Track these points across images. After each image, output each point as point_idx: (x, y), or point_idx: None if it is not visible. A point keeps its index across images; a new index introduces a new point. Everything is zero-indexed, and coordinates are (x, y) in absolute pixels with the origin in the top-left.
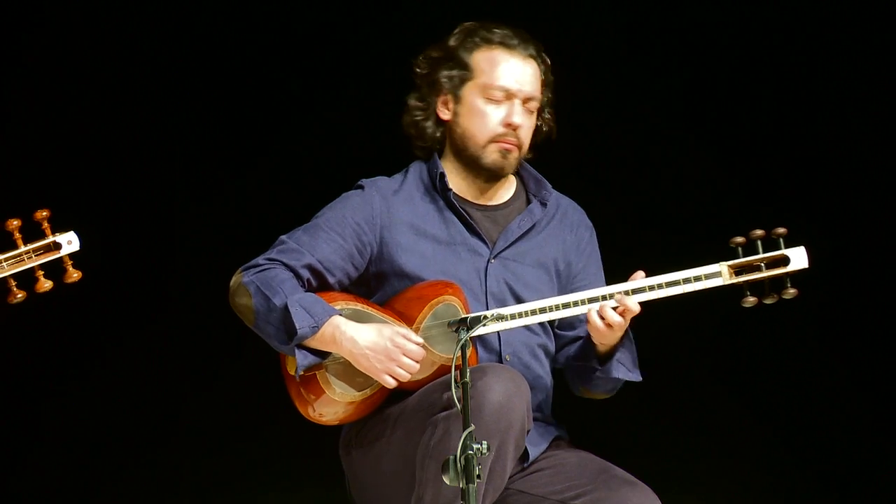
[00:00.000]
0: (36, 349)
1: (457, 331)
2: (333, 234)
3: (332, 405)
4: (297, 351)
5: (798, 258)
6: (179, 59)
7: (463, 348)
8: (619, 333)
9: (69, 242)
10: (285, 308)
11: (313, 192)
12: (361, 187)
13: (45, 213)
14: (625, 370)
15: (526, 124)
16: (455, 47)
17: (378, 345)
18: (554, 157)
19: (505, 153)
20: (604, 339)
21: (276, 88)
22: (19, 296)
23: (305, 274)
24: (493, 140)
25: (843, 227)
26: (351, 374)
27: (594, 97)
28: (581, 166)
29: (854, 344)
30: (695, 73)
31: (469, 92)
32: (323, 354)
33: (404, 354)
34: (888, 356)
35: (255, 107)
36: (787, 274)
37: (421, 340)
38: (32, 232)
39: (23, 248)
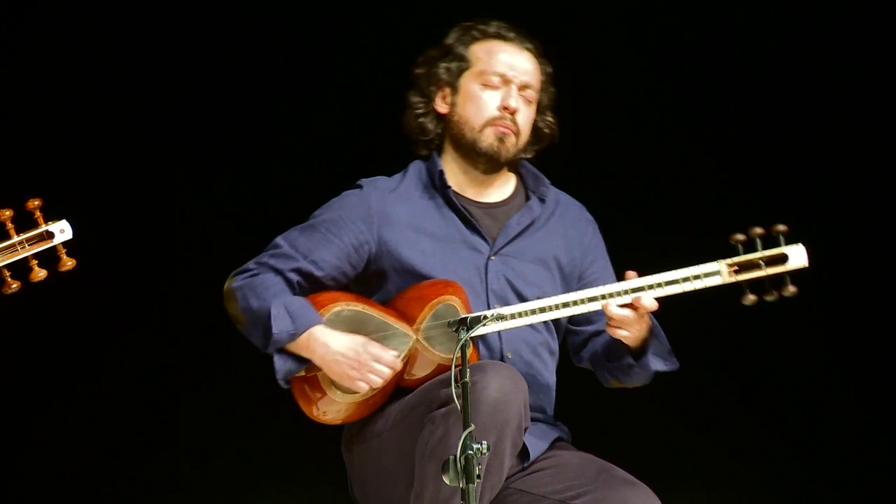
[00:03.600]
0: (30, 341)
1: (457, 331)
2: (330, 235)
3: (334, 405)
4: (275, 356)
5: (797, 256)
6: (171, 45)
7: (463, 348)
8: (643, 330)
9: (62, 231)
10: (268, 313)
11: (313, 178)
12: (360, 187)
13: (36, 203)
14: (662, 362)
15: (523, 111)
16: (453, 43)
17: (350, 350)
18: (553, 153)
19: (502, 137)
20: (628, 340)
21: (277, 79)
22: (14, 286)
23: (294, 278)
24: (490, 123)
25: (844, 224)
26: None
27: (592, 93)
28: (579, 163)
29: (854, 338)
30: (693, 68)
31: (466, 81)
32: (304, 360)
33: (376, 361)
34: (888, 351)
35: (252, 94)
36: (786, 272)
37: (395, 353)
38: (25, 222)
39: (15, 239)
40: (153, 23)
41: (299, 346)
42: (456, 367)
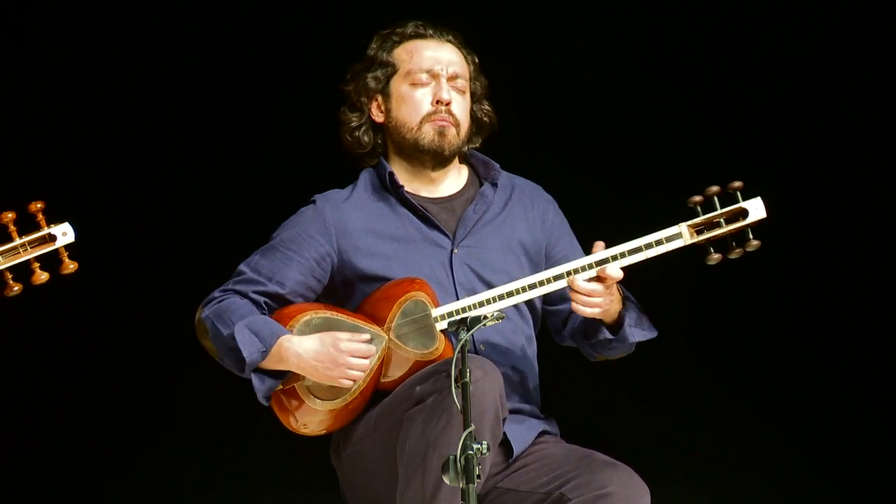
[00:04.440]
0: (32, 344)
1: (456, 331)
2: (290, 253)
3: (313, 414)
4: (253, 377)
5: (756, 209)
6: (172, 49)
7: (463, 348)
8: (614, 303)
9: (64, 234)
10: (234, 338)
11: (312, 181)
12: (314, 202)
13: (39, 206)
14: (640, 332)
15: (457, 101)
16: (375, 52)
17: (322, 353)
18: (504, 131)
19: (441, 130)
20: (602, 315)
21: (278, 81)
22: (16, 288)
23: (261, 299)
24: (426, 119)
25: (801, 176)
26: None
27: (544, 65)
28: (530, 138)
29: (848, 331)
30: (643, 32)
31: (396, 84)
32: (282, 374)
33: (351, 355)
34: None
35: (253, 97)
36: (747, 226)
37: (367, 337)
38: (27, 224)
39: (18, 241)
40: (160, 31)
41: (272, 361)
42: (456, 366)
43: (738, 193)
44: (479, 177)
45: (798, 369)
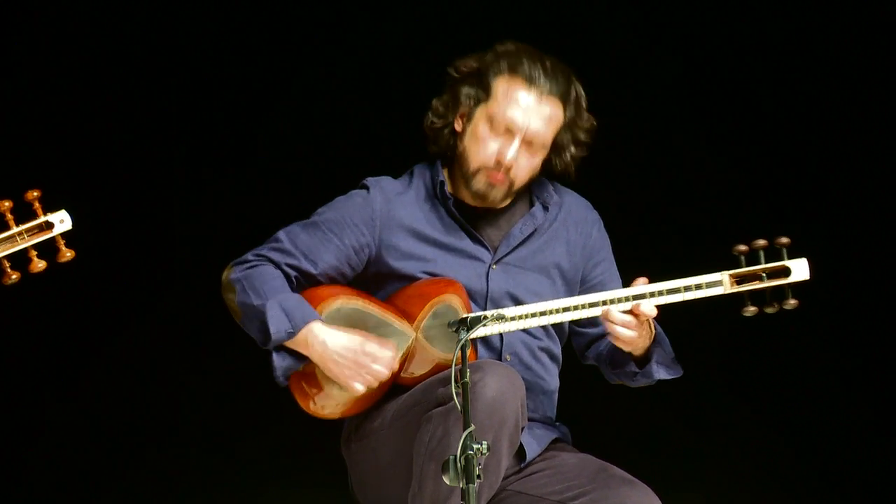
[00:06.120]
0: (29, 333)
1: (457, 331)
2: (331, 235)
3: (331, 399)
4: (274, 354)
5: (800, 269)
6: (172, 41)
7: (463, 349)
8: (645, 337)
9: (61, 221)
10: (264, 312)
11: (311, 177)
12: (366, 187)
13: (36, 194)
14: (665, 370)
15: (523, 163)
16: (486, 65)
17: (348, 350)
18: None
19: (490, 185)
20: (628, 346)
21: (278, 78)
22: (13, 277)
23: (292, 273)
24: (483, 169)
25: (848, 239)
26: None
27: (603, 99)
28: (586, 170)
29: (855, 345)
30: (702, 78)
31: (479, 115)
32: (303, 357)
33: (373, 362)
34: (887, 357)
35: (252, 92)
36: (788, 285)
37: (392, 352)
38: (24, 213)
39: (15, 230)
40: (151, 14)
41: (297, 344)
42: (456, 366)
43: (785, 250)
44: (531, 192)
45: (817, 386)
